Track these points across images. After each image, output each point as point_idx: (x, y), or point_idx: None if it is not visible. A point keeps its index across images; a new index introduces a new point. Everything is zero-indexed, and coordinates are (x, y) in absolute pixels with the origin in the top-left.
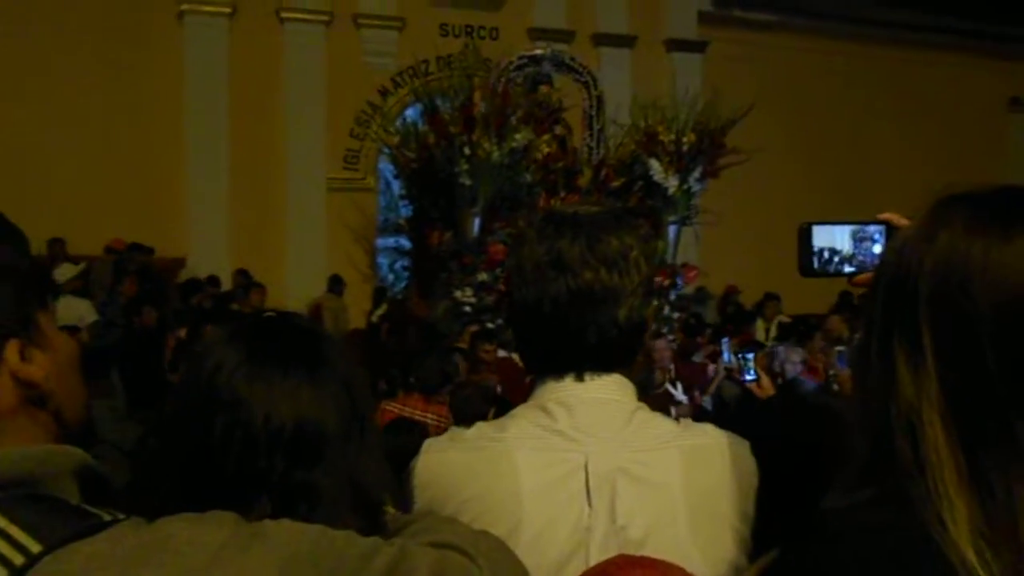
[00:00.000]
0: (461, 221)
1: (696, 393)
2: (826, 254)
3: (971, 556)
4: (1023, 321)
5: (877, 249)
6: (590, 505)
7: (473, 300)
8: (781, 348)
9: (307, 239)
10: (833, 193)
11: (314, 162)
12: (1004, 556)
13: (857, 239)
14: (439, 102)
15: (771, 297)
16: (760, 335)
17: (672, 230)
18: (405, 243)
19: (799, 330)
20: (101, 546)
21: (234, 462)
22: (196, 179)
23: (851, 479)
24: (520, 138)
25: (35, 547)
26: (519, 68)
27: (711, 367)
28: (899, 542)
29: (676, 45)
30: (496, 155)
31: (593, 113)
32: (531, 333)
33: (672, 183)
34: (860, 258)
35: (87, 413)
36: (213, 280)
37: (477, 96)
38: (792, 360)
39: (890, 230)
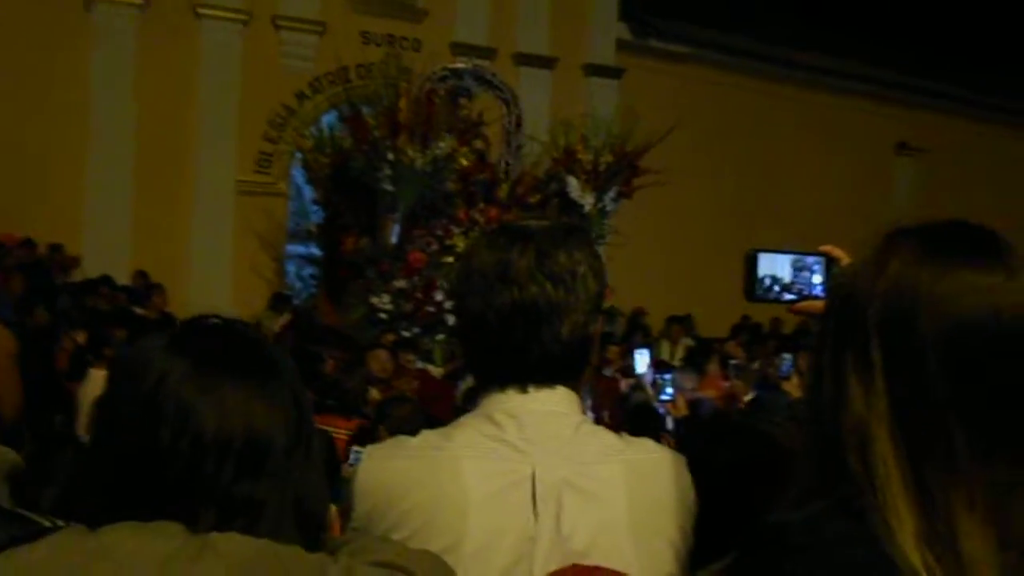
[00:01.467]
0: (380, 227)
1: (604, 413)
2: (767, 281)
3: (917, 563)
4: (964, 346)
5: (816, 279)
6: (536, 516)
7: (390, 307)
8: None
9: (213, 242)
10: (740, 219)
11: (225, 164)
12: (946, 562)
13: (796, 268)
14: (362, 108)
15: (676, 320)
16: (665, 356)
17: None
18: (315, 251)
19: (702, 353)
20: (42, 553)
21: (180, 472)
22: (97, 174)
23: (800, 492)
24: (444, 146)
25: None
26: (442, 79)
27: (623, 381)
28: (861, 553)
29: (594, 70)
30: (420, 162)
31: (512, 129)
32: (476, 342)
33: (588, 201)
34: (799, 287)
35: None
36: (107, 280)
37: (403, 103)
38: (684, 386)
39: (829, 261)
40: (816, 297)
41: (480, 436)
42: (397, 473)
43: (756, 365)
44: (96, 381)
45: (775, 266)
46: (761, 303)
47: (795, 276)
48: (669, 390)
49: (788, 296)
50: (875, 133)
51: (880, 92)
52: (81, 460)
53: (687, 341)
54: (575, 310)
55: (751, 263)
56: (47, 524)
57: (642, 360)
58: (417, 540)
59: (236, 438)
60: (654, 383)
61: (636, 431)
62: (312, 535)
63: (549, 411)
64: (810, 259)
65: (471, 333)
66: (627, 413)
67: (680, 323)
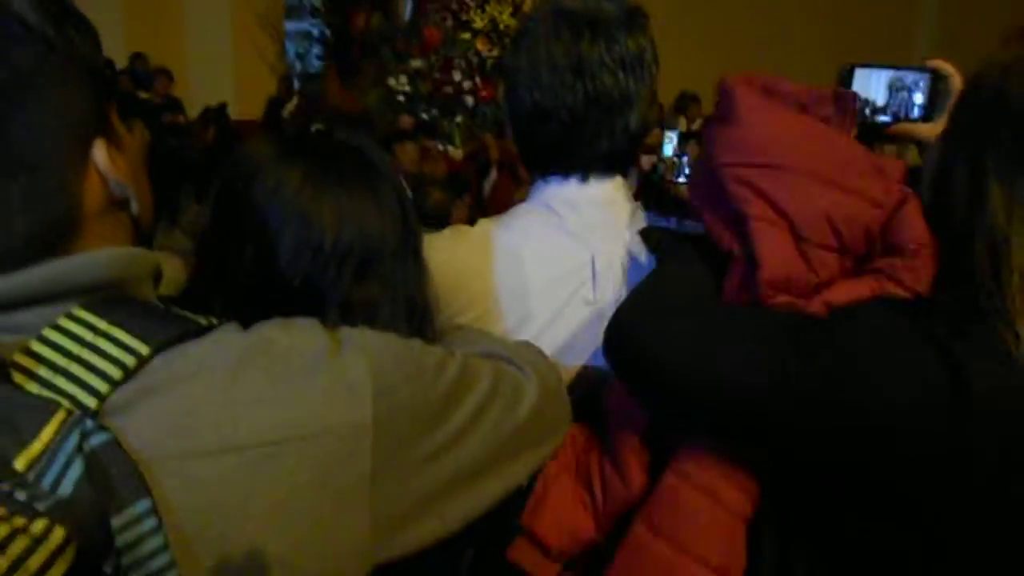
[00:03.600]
0: (392, 2)
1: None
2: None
3: None
4: None
5: (918, 99)
6: (595, 289)
7: (408, 88)
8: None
9: (208, 22)
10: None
11: None
12: None
13: (894, 89)
14: None
15: (691, 97)
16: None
17: None
18: (314, 29)
19: None
20: (209, 348)
21: (302, 278)
22: None
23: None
24: None
25: (143, 348)
26: None
27: (643, 159)
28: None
29: None
30: None
31: None
32: (542, 137)
33: None
34: (894, 109)
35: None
36: (109, 64)
37: None
38: None
39: (936, 78)
40: (915, 120)
41: (541, 224)
42: (460, 262)
43: None
44: None
45: (868, 85)
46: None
47: (891, 96)
48: (687, 170)
49: (882, 118)
50: None
51: None
52: (200, 266)
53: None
54: (643, 99)
55: (845, 81)
56: (204, 323)
57: (671, 144)
58: (483, 321)
59: (354, 244)
60: (672, 163)
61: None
62: (422, 329)
63: (606, 199)
64: (909, 77)
65: (537, 128)
66: (650, 197)
67: (695, 100)
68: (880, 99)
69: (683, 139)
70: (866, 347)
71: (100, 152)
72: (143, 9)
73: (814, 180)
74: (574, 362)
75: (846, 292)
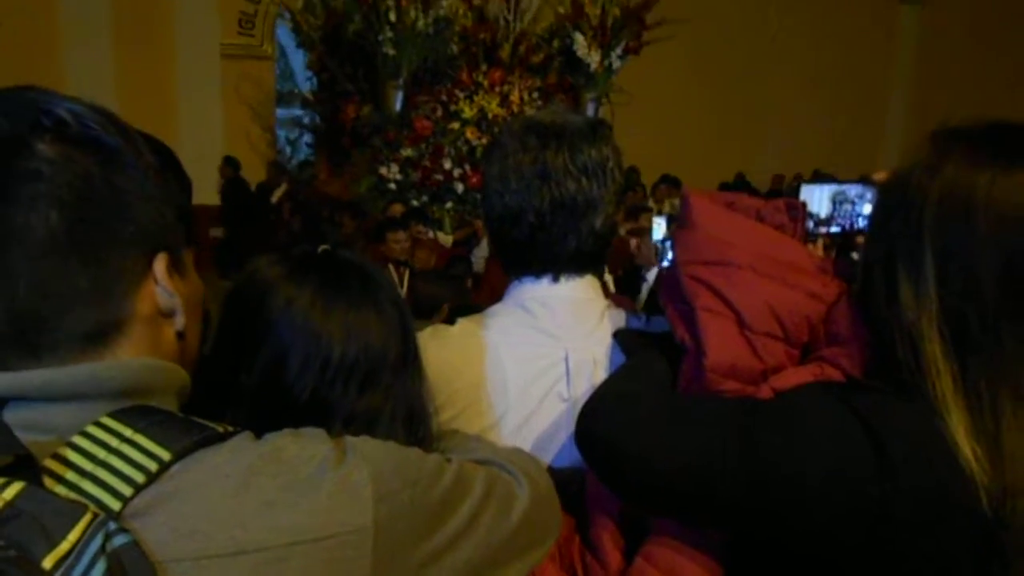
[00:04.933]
0: (382, 94)
1: (609, 278)
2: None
3: (968, 453)
4: (1018, 245)
5: (866, 209)
6: (569, 386)
7: (399, 177)
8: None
9: (201, 109)
10: (736, 72)
11: (206, 26)
12: (991, 455)
13: (837, 202)
14: None
15: (665, 179)
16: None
17: (591, 107)
18: (304, 116)
19: None
20: (225, 456)
21: (309, 392)
22: (73, 44)
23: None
24: (447, 5)
25: (165, 455)
26: None
27: (632, 241)
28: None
29: None
30: (422, 23)
31: None
32: (512, 238)
33: (594, 59)
34: (840, 221)
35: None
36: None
37: None
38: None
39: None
40: (862, 232)
41: (515, 323)
42: (441, 360)
43: None
44: None
45: (811, 199)
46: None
47: (835, 210)
48: (670, 255)
49: (833, 229)
50: None
51: None
52: (209, 376)
53: (675, 202)
54: (607, 203)
55: (795, 196)
56: (221, 431)
57: (659, 229)
58: (462, 419)
59: (359, 358)
60: (656, 249)
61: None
62: (420, 433)
63: (579, 298)
64: (853, 190)
65: (508, 229)
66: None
67: (668, 184)
68: (824, 212)
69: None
70: (800, 425)
71: (160, 263)
72: (135, 93)
73: (759, 275)
74: (551, 456)
75: (791, 379)
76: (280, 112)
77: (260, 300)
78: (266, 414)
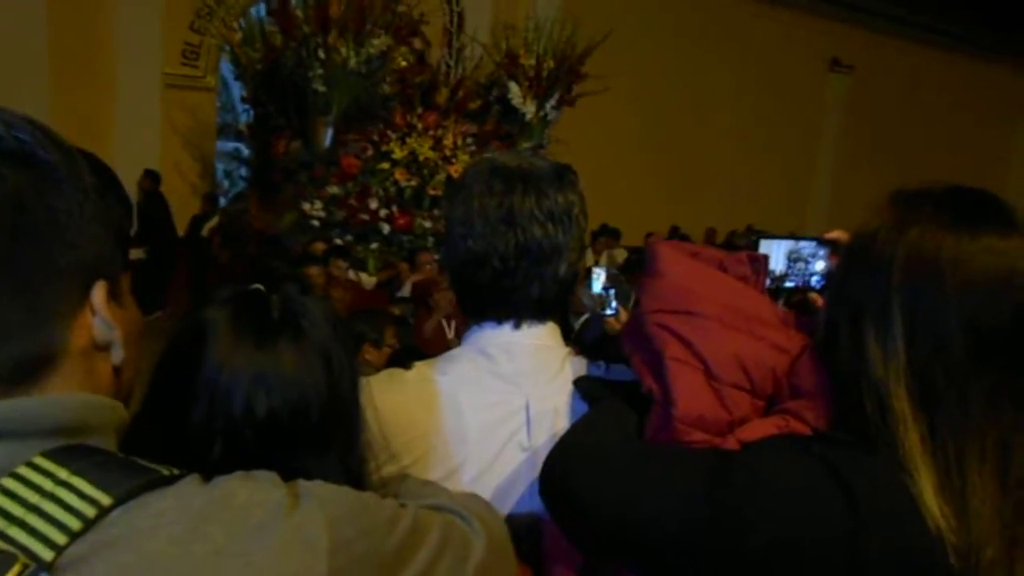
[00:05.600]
0: (312, 130)
1: None
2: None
3: (935, 511)
4: (989, 306)
5: (818, 267)
6: (530, 436)
7: (323, 214)
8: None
9: (138, 138)
10: (672, 127)
11: (149, 55)
12: (957, 512)
13: (792, 259)
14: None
15: (605, 231)
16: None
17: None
18: (244, 150)
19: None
20: (170, 501)
21: (221, 448)
22: (7, 66)
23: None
24: (378, 44)
25: (105, 499)
26: None
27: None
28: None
29: None
30: (353, 61)
31: (453, 30)
32: (475, 283)
33: (530, 109)
34: (794, 278)
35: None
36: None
37: None
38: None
39: (835, 251)
40: (816, 290)
41: (475, 369)
42: (397, 406)
43: None
44: None
45: (769, 253)
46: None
47: (790, 267)
48: (614, 304)
49: (787, 285)
50: (806, 49)
51: (810, 5)
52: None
53: (620, 252)
54: (572, 249)
55: (753, 249)
56: (166, 473)
57: (599, 279)
58: (419, 467)
59: (272, 414)
60: (600, 298)
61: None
62: (358, 484)
63: (540, 345)
64: (807, 248)
65: (471, 273)
66: (588, 343)
67: (608, 235)
68: (779, 267)
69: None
70: (771, 478)
71: (99, 292)
72: (71, 117)
73: (725, 326)
74: (511, 506)
75: (756, 431)
76: (220, 144)
77: (179, 345)
78: (200, 458)
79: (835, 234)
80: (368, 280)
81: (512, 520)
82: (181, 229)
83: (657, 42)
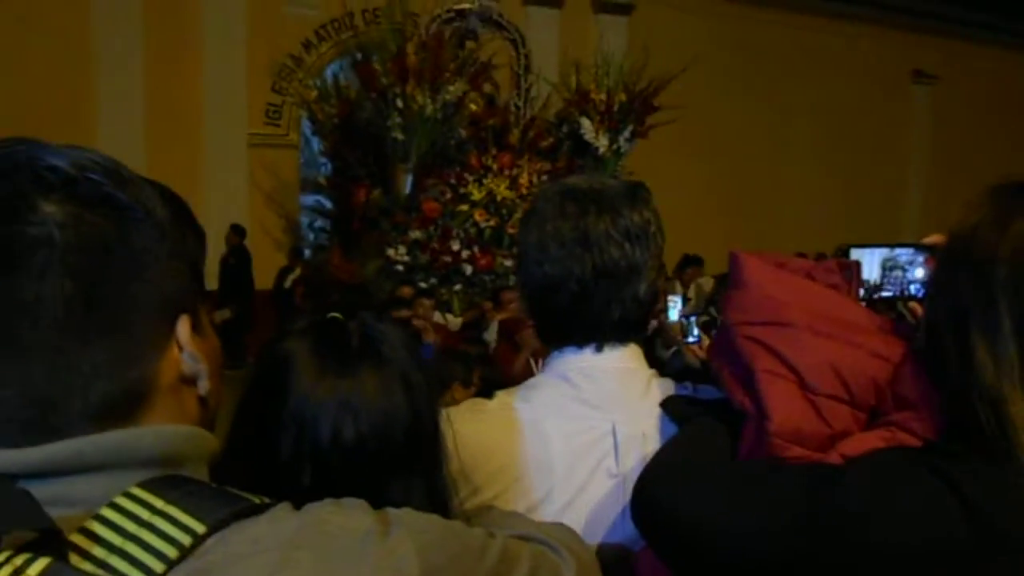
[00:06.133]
0: (392, 178)
1: None
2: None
3: None
4: None
5: (919, 273)
6: (618, 462)
7: (407, 259)
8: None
9: (226, 195)
10: (751, 152)
11: (235, 116)
12: None
13: (887, 268)
14: (371, 55)
15: (690, 261)
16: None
17: None
18: (325, 202)
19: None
20: (263, 528)
21: (310, 477)
22: (109, 133)
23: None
24: (454, 91)
25: (199, 527)
26: (446, 22)
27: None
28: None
29: (603, 7)
30: (430, 108)
31: (521, 71)
32: (553, 308)
33: (603, 142)
34: (890, 288)
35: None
36: None
37: (410, 47)
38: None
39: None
40: (916, 299)
41: (558, 396)
42: (480, 435)
43: None
44: None
45: (861, 264)
46: None
47: (885, 276)
48: (696, 331)
49: (884, 294)
50: (888, 62)
51: (894, 18)
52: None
53: (704, 280)
54: (650, 268)
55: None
56: (257, 502)
57: (675, 308)
58: (505, 497)
59: (358, 439)
60: (680, 326)
61: None
62: (444, 514)
63: (623, 368)
64: (904, 255)
65: (548, 298)
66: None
67: (693, 264)
68: (874, 277)
69: (686, 302)
70: (886, 494)
71: (184, 327)
72: (162, 177)
73: (818, 335)
74: (602, 534)
75: (860, 444)
76: (303, 199)
77: (286, 378)
78: (291, 488)
79: (934, 238)
80: (454, 321)
81: (602, 551)
82: (268, 283)
83: (731, 67)
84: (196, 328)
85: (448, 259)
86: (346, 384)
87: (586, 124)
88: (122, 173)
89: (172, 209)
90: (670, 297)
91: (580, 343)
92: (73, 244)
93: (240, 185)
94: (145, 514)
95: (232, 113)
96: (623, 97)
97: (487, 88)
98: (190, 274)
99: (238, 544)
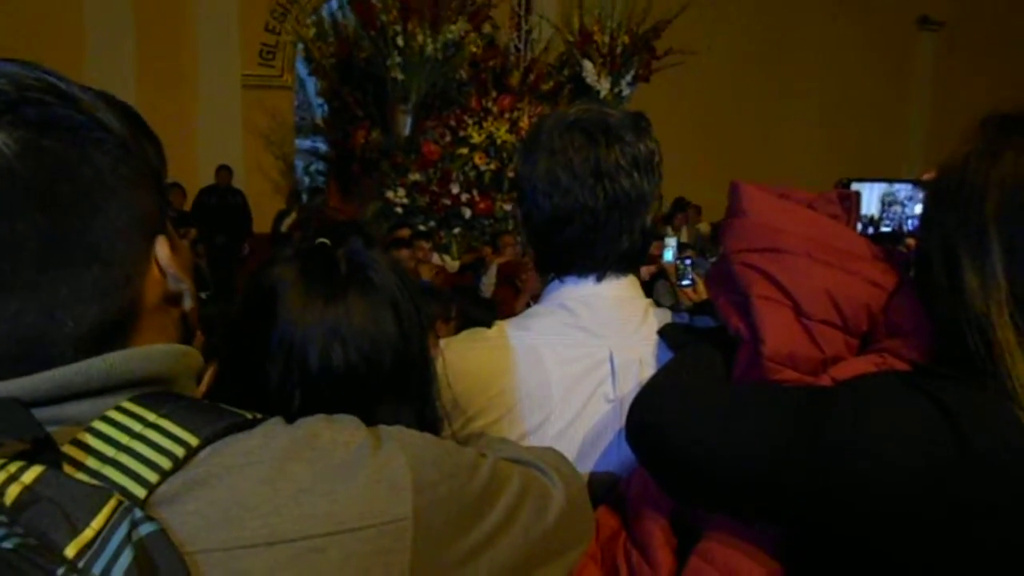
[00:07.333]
0: (391, 119)
1: None
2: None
3: None
4: None
5: (918, 209)
6: (615, 386)
7: (406, 201)
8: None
9: (221, 139)
10: (753, 96)
11: (228, 58)
12: None
13: (886, 203)
14: None
15: (682, 206)
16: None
17: None
18: (322, 145)
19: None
20: (256, 441)
21: (299, 401)
22: (98, 73)
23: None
24: (455, 29)
25: (193, 439)
26: None
27: (643, 270)
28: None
29: None
30: (430, 48)
31: (522, 12)
32: (562, 240)
33: (604, 86)
34: (888, 223)
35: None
36: None
37: None
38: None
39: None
40: (913, 234)
41: (557, 323)
42: (479, 362)
43: None
44: None
45: (861, 197)
46: None
47: (885, 212)
48: (690, 274)
49: (883, 229)
50: (893, 7)
51: None
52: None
53: (702, 227)
54: (655, 198)
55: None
56: (249, 417)
57: (671, 249)
58: (505, 423)
59: (347, 364)
60: (675, 269)
61: None
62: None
63: (621, 296)
64: (903, 191)
65: (558, 230)
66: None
67: (685, 209)
68: (873, 211)
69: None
70: (874, 411)
71: (163, 248)
72: (156, 124)
73: (815, 262)
74: (598, 457)
75: (851, 369)
76: (299, 142)
77: (272, 304)
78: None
79: (932, 174)
80: (452, 264)
81: (592, 479)
82: (266, 228)
83: (735, 10)
84: (172, 245)
85: (447, 202)
86: (334, 310)
87: (588, 67)
88: (69, 89)
89: (127, 120)
90: (666, 240)
91: (582, 273)
92: (34, 175)
93: (235, 127)
94: (138, 427)
95: (225, 53)
96: (626, 39)
97: (486, 28)
98: (156, 188)
99: (232, 456)
